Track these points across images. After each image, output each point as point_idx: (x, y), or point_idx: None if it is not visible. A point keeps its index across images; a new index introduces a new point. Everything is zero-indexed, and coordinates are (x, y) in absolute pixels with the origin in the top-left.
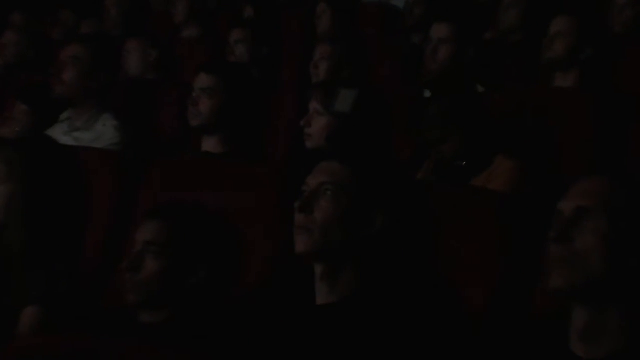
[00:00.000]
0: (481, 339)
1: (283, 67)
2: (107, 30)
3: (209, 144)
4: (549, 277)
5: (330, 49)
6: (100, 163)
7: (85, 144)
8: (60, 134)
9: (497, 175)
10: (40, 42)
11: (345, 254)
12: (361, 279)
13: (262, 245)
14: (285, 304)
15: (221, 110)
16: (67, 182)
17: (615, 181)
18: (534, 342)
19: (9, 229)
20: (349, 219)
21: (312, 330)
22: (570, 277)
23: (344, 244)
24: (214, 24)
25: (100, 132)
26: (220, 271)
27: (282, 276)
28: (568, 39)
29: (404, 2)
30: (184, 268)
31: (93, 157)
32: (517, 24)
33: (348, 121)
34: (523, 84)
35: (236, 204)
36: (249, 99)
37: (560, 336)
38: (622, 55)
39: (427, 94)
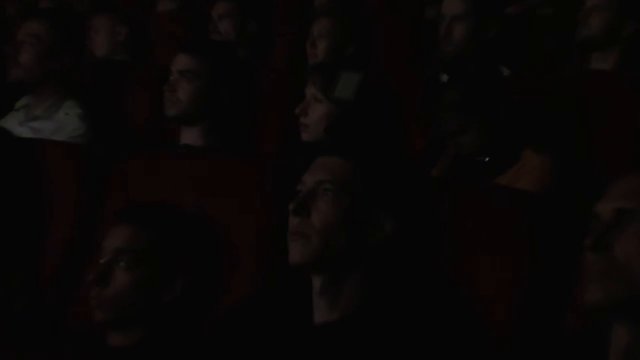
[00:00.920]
0: None
1: (274, 46)
2: (70, 4)
3: (189, 136)
4: (585, 291)
5: (330, 25)
6: (62, 157)
7: (45, 135)
8: (15, 124)
9: (524, 173)
10: None
11: (348, 264)
12: (367, 294)
13: (250, 254)
14: (278, 322)
15: (203, 97)
16: (23, 180)
17: None
18: None
19: None
20: (353, 224)
21: (309, 353)
22: (609, 291)
23: (346, 252)
24: None
25: (63, 122)
26: (202, 285)
27: (274, 290)
28: (606, 13)
29: None
30: (160, 281)
31: (54, 150)
32: None
33: (350, 109)
34: (554, 66)
35: (220, 206)
36: (235, 83)
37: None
38: None
39: (444, 78)
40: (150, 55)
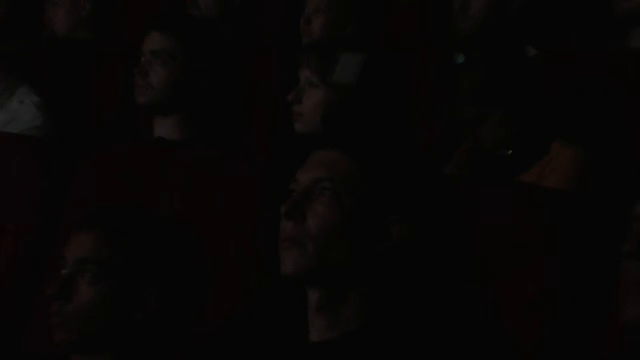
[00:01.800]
0: None
1: (263, 23)
2: None
3: (164, 128)
4: (624, 306)
5: None
6: (16, 153)
7: None
8: None
9: (554, 169)
10: None
11: (349, 276)
12: (370, 309)
13: (235, 264)
14: (268, 341)
15: (180, 82)
16: None
17: None
18: None
19: None
20: (354, 229)
21: None
22: None
23: (347, 262)
24: None
25: (17, 112)
26: (180, 299)
27: (264, 305)
28: None
29: None
30: (130, 296)
31: (6, 144)
32: None
33: (351, 95)
34: (588, 45)
35: (199, 209)
36: (217, 66)
37: None
38: None
39: (460, 59)
40: (119, 34)
